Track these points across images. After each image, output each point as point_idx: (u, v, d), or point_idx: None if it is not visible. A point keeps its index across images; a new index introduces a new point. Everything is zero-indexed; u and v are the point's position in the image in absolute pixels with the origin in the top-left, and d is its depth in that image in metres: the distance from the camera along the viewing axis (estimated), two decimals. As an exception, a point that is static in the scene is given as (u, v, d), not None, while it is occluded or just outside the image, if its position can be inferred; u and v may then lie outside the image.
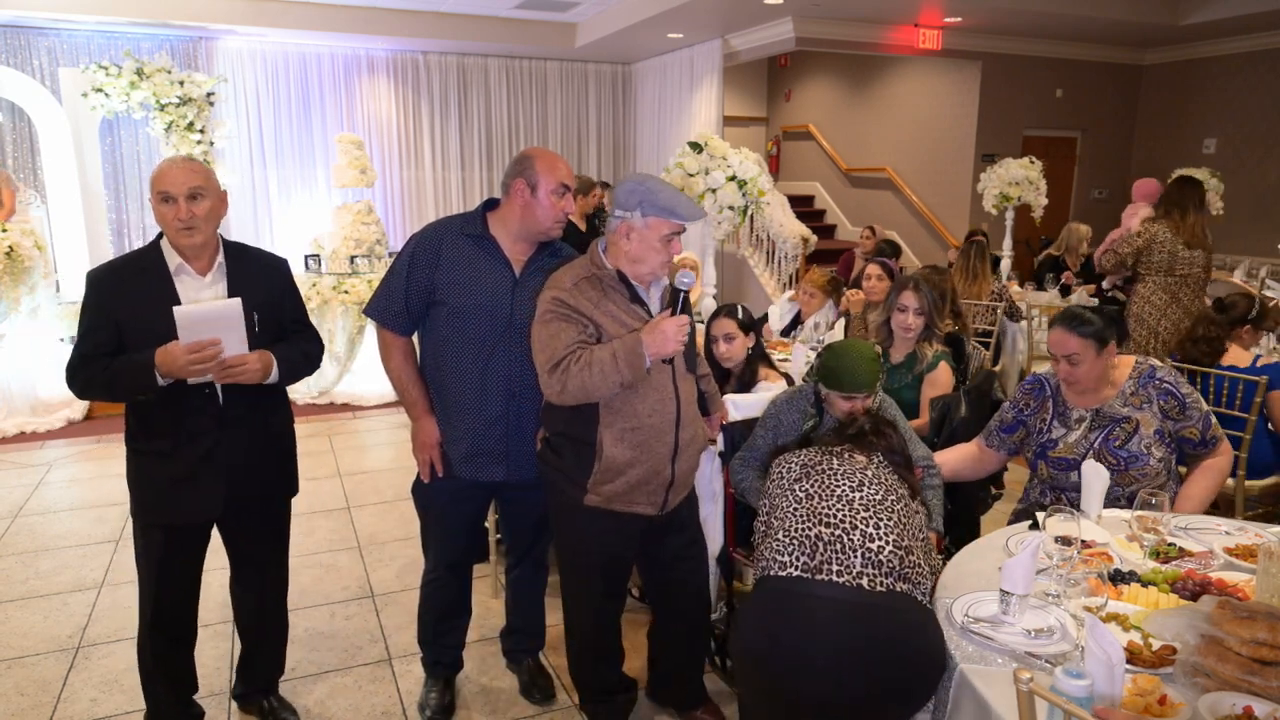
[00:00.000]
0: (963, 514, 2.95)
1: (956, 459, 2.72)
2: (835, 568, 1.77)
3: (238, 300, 2.14)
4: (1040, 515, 2.25)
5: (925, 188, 9.27)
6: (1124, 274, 4.95)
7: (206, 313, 2.11)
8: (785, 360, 3.77)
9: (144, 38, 7.91)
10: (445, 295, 2.32)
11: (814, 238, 7.89)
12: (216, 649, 2.99)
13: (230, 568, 2.51)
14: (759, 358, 3.13)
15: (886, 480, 1.97)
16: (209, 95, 7.12)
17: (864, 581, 1.75)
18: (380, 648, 3.03)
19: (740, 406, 2.83)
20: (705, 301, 4.20)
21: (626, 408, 2.16)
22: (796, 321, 4.94)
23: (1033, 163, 6.30)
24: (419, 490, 2.55)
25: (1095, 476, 2.23)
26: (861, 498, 1.88)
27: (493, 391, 2.36)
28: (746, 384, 3.09)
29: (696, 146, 3.69)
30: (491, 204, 2.41)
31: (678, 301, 2.11)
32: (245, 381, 2.18)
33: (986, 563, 2.02)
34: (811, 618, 1.74)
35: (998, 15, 7.37)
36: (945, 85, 8.98)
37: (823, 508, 1.87)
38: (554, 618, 3.22)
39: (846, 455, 2.02)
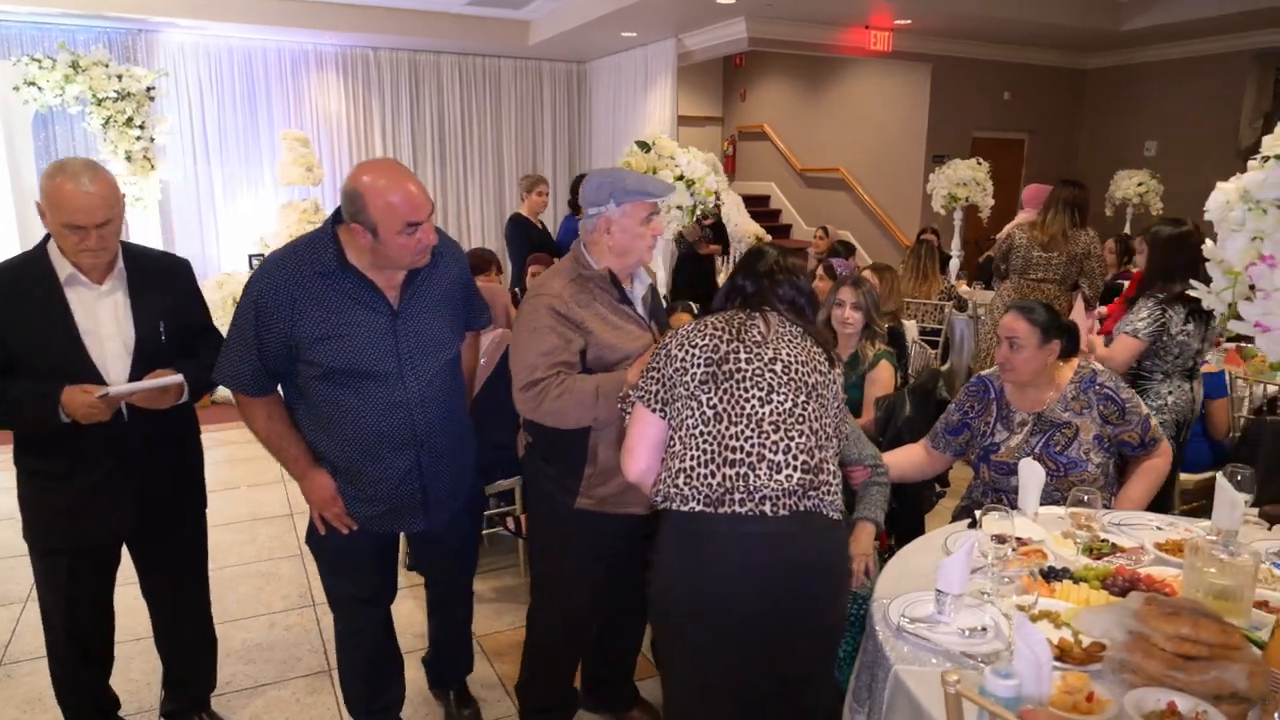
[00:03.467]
0: (908, 512, 2.97)
1: (904, 462, 2.73)
2: (738, 497, 1.70)
3: (179, 376, 2.02)
4: (978, 514, 2.27)
5: (878, 188, 9.37)
6: (999, 278, 5.03)
7: (147, 389, 2.00)
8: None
9: (80, 30, 7.64)
10: (314, 355, 1.95)
11: (769, 238, 7.92)
12: (146, 664, 2.88)
13: (141, 585, 2.34)
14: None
15: (796, 369, 1.79)
16: (149, 90, 6.90)
17: (766, 508, 1.70)
18: (319, 658, 2.95)
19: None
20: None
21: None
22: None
23: (980, 164, 6.40)
24: (318, 543, 2.22)
25: (1031, 474, 2.26)
26: (770, 413, 1.74)
27: (395, 449, 2.07)
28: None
29: (644, 145, 3.67)
30: (341, 216, 1.98)
31: None
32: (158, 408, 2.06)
33: (926, 561, 2.02)
34: (713, 553, 1.72)
35: (946, 19, 7.47)
36: (897, 87, 9.09)
37: (729, 435, 1.72)
38: (500, 624, 3.19)
39: (752, 332, 1.81)
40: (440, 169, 9.58)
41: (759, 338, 1.83)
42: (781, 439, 1.74)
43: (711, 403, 1.77)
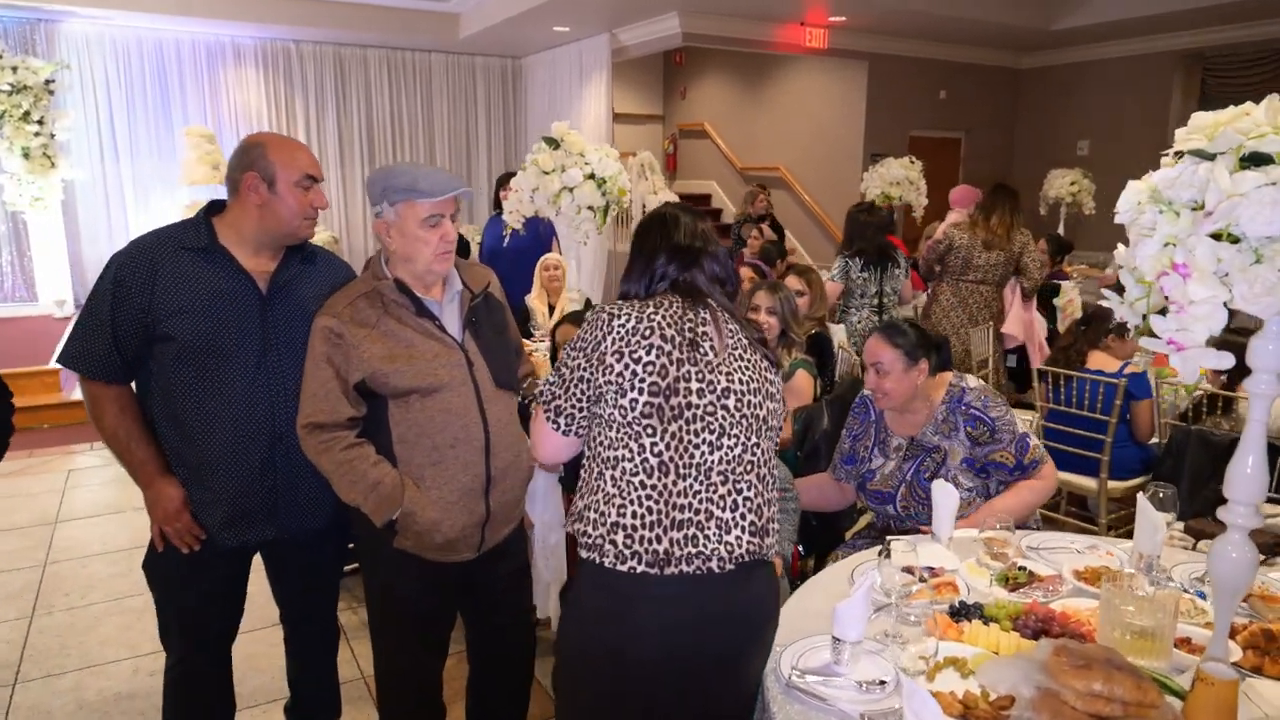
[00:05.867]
0: (826, 530, 2.81)
1: (813, 489, 2.57)
2: (684, 555, 1.46)
3: None
4: (890, 540, 2.10)
5: (817, 186, 9.28)
6: (935, 279, 5.03)
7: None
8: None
9: (-30, 18, 7.16)
10: (171, 328, 1.85)
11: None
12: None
13: None
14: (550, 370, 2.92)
15: (747, 400, 1.52)
16: (48, 83, 6.50)
17: (714, 564, 1.47)
18: (187, 706, 2.67)
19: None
20: (573, 308, 3.96)
21: (423, 440, 1.90)
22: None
23: (913, 162, 6.32)
24: (156, 563, 2.03)
25: (945, 496, 2.09)
26: (719, 460, 1.49)
27: (251, 439, 1.94)
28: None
29: (552, 142, 3.45)
30: (216, 207, 1.97)
31: None
32: None
33: (830, 598, 1.83)
34: (649, 610, 1.47)
35: (881, 16, 7.38)
36: (834, 85, 9.00)
37: (676, 491, 1.46)
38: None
39: (703, 346, 1.51)
40: (369, 169, 9.22)
41: (710, 355, 1.51)
42: (729, 492, 1.49)
43: (656, 449, 1.46)
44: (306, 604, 2.26)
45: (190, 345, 1.86)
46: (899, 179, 6.06)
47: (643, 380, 1.46)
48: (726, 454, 1.49)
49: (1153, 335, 1.32)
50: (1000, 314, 4.93)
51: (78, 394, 2.36)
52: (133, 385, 1.96)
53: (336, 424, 1.85)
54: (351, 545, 2.20)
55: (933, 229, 5.70)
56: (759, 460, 1.53)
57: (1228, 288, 1.19)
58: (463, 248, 5.72)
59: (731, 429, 1.50)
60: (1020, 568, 1.93)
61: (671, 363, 1.47)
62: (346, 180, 9.12)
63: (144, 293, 1.84)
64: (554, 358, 2.86)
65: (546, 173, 3.37)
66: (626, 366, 1.47)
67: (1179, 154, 1.31)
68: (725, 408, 1.49)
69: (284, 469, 1.98)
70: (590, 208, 3.45)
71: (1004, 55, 9.21)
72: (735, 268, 1.67)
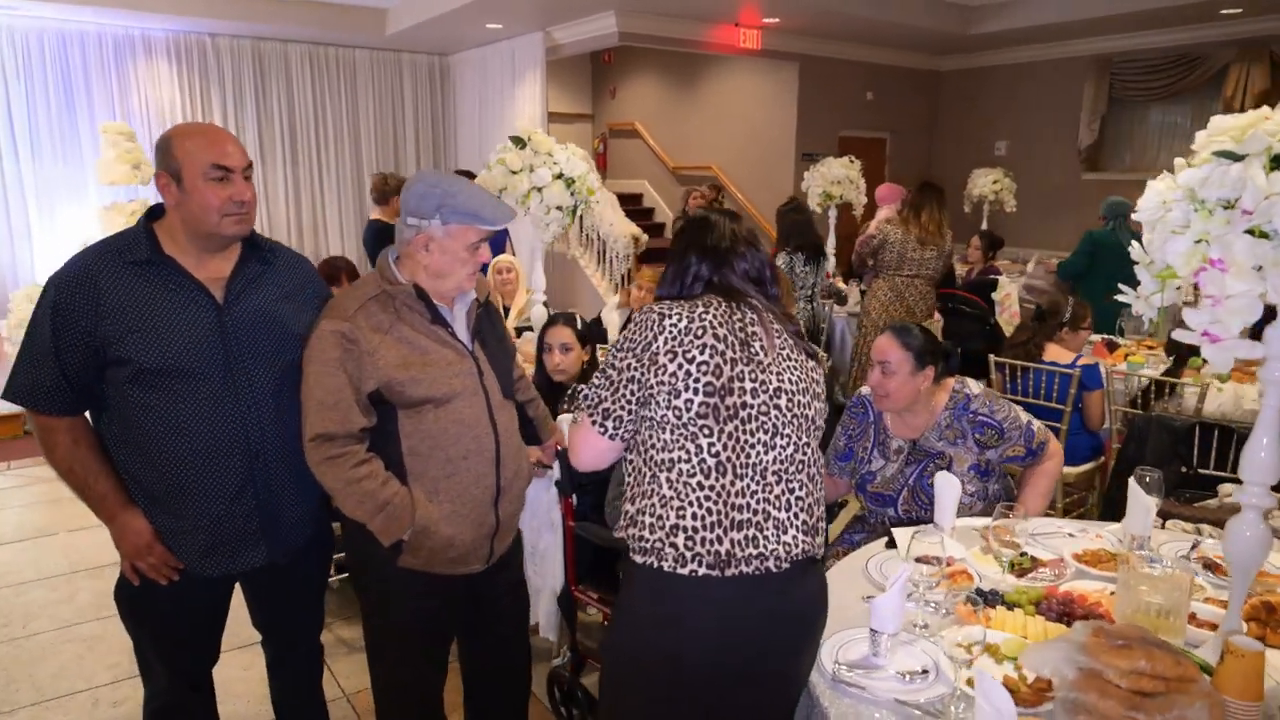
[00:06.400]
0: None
1: None
2: (744, 556, 1.45)
3: None
4: (896, 532, 2.15)
5: (750, 185, 9.41)
6: (869, 274, 5.18)
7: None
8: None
9: None
10: (124, 350, 1.69)
11: (645, 237, 7.77)
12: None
13: None
14: (595, 371, 2.88)
15: (797, 400, 1.52)
16: (-63, 77, 6.04)
17: (770, 564, 1.47)
18: (159, 738, 2.52)
19: (577, 428, 2.57)
20: (535, 309, 3.90)
21: (437, 452, 1.84)
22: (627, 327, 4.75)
23: (852, 162, 6.47)
24: (131, 597, 1.88)
25: (947, 487, 2.14)
26: (774, 460, 1.48)
27: (225, 459, 1.79)
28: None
29: (520, 141, 3.39)
30: (156, 213, 1.81)
31: None
32: None
33: (849, 593, 1.87)
34: (708, 612, 1.46)
35: (811, 17, 7.54)
36: (767, 85, 9.14)
37: (734, 491, 1.45)
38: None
39: (754, 345, 1.51)
40: (291, 168, 8.89)
41: (761, 355, 1.51)
42: (783, 492, 1.49)
43: (714, 449, 1.44)
44: (295, 626, 2.15)
45: (147, 366, 1.71)
46: (840, 178, 6.19)
47: (697, 380, 1.45)
48: (780, 454, 1.49)
49: (1183, 326, 1.38)
50: (932, 310, 5.10)
51: None
52: (86, 414, 1.80)
53: (348, 435, 1.77)
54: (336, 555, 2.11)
55: (866, 227, 5.84)
56: (809, 460, 1.54)
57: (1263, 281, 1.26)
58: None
59: (784, 429, 1.50)
60: (1023, 554, 2.00)
61: (725, 362, 1.46)
62: (268, 180, 8.76)
63: (88, 315, 1.68)
64: (539, 360, 2.82)
65: (515, 172, 3.31)
66: (680, 366, 1.45)
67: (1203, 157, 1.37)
68: (778, 407, 1.50)
69: (264, 485, 1.85)
70: (559, 207, 3.41)
71: (926, 58, 9.53)
72: (773, 269, 1.66)
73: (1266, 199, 1.23)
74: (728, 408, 1.45)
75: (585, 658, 2.55)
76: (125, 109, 7.89)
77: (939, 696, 1.49)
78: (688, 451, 1.45)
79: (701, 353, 1.45)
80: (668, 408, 1.46)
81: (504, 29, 8.02)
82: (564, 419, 2.54)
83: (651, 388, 1.47)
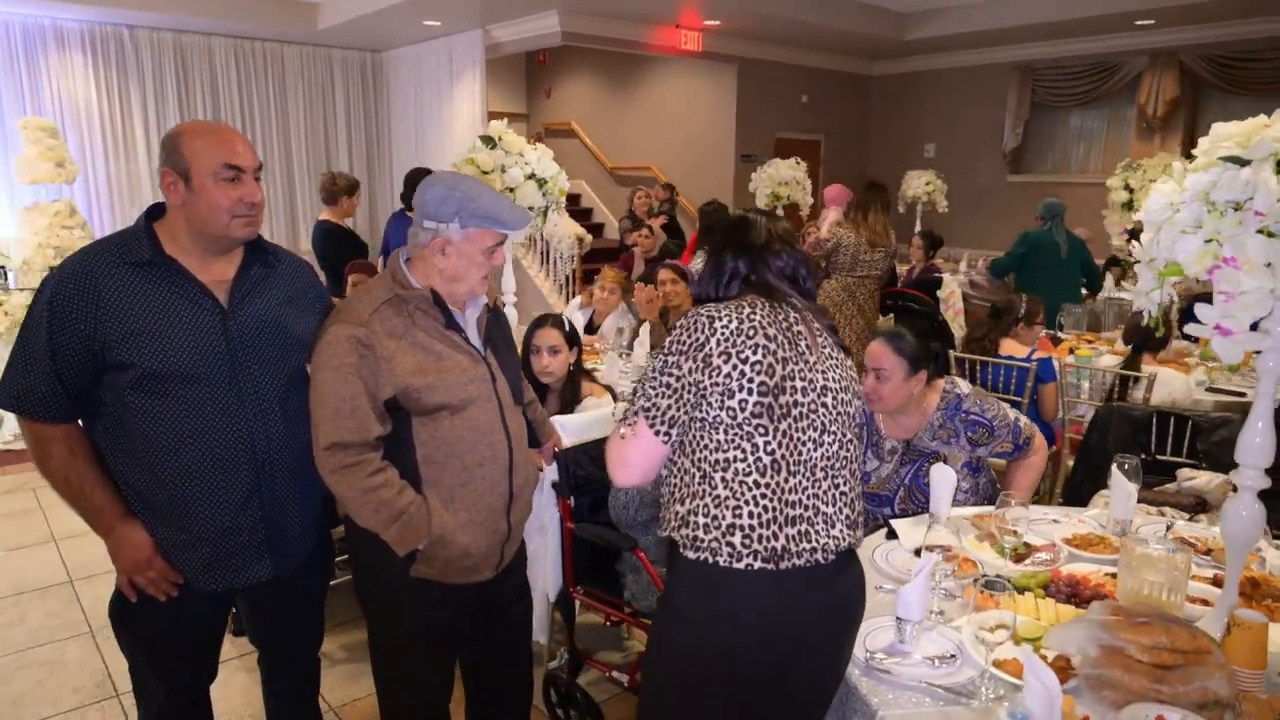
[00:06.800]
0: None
1: None
2: (797, 550, 1.47)
3: None
4: (895, 523, 2.22)
5: (690, 185, 9.49)
6: (820, 275, 5.32)
7: None
8: (597, 369, 3.55)
9: None
10: (124, 354, 1.62)
11: (589, 237, 7.77)
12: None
13: None
14: (581, 373, 2.88)
15: (840, 397, 1.55)
16: None
17: (819, 557, 1.49)
18: (136, 765, 2.41)
19: (570, 429, 2.57)
20: (507, 311, 3.86)
21: (452, 460, 1.81)
22: (590, 327, 4.75)
23: (798, 163, 6.60)
24: (127, 614, 1.79)
25: (943, 478, 2.22)
26: (822, 457, 1.51)
27: (231, 469, 1.72)
28: (569, 402, 2.83)
29: (489, 141, 3.35)
30: (156, 212, 1.74)
31: None
32: None
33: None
34: (761, 606, 1.48)
35: (752, 20, 7.67)
36: (705, 87, 9.25)
37: (788, 488, 1.47)
38: (359, 689, 2.78)
39: (800, 344, 1.53)
40: (219, 165, 8.54)
41: (808, 353, 1.53)
42: (830, 488, 1.52)
43: (770, 448, 1.46)
44: (295, 639, 2.08)
45: (151, 371, 1.64)
46: (787, 179, 6.32)
47: (751, 380, 1.46)
48: (827, 450, 1.52)
49: (1193, 319, 1.46)
50: (878, 308, 5.27)
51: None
52: (79, 422, 1.71)
53: (364, 444, 1.72)
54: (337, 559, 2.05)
55: (810, 227, 5.97)
56: (852, 455, 1.58)
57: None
58: (360, 246, 5.45)
59: (830, 425, 1.53)
60: (1023, 541, 2.09)
61: (778, 361, 1.48)
62: (194, 179, 8.40)
63: (87, 318, 1.60)
64: (526, 361, 2.80)
65: (486, 173, 3.27)
66: (735, 367, 1.46)
67: (1208, 162, 1.46)
68: (825, 405, 1.53)
69: (269, 495, 1.78)
70: (530, 208, 3.39)
71: (859, 62, 9.80)
72: (810, 267, 1.68)
73: (1278, 201, 1.32)
74: (781, 406, 1.48)
75: (584, 659, 2.54)
76: (37, 104, 7.47)
77: (969, 679, 1.55)
78: (743, 451, 1.47)
79: (755, 353, 1.47)
80: (721, 408, 1.47)
81: (442, 26, 7.90)
82: (558, 421, 2.53)
83: (705, 390, 1.48)
